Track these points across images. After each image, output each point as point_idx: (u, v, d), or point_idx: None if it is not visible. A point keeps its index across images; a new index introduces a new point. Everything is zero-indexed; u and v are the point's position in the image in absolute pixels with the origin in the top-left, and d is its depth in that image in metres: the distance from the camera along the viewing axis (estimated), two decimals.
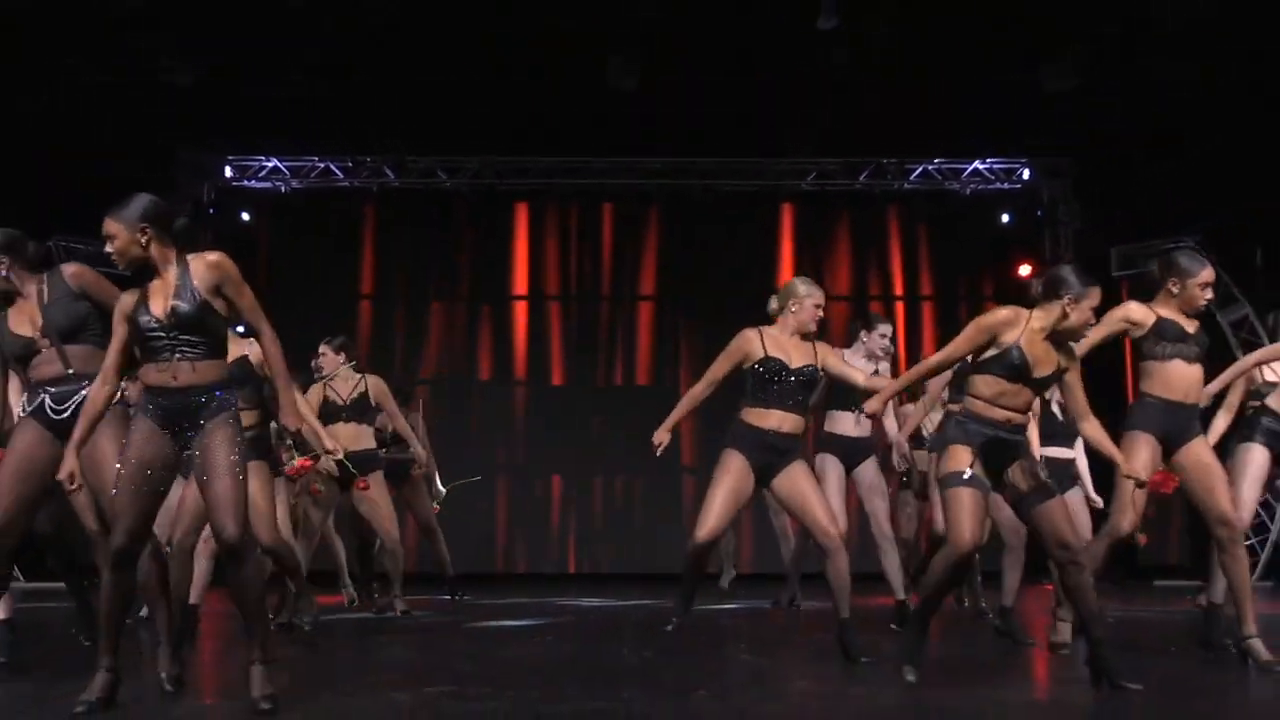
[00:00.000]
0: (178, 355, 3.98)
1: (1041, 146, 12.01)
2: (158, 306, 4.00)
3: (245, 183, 12.32)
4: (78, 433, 4.06)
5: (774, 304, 5.47)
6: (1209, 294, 4.93)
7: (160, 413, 4.00)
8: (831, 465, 6.58)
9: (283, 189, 12.33)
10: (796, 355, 5.31)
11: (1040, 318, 4.37)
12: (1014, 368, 4.32)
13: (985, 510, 4.33)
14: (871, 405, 4.75)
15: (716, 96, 10.87)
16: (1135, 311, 4.93)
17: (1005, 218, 12.58)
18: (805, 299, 5.37)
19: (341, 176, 12.21)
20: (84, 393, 4.37)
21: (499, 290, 12.76)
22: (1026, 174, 12.35)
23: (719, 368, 5.37)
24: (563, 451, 12.42)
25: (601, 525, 12.49)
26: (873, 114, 11.18)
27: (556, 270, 12.81)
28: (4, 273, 4.58)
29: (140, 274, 4.09)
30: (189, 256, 4.08)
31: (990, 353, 4.36)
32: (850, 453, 6.58)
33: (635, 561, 11.89)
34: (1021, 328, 4.34)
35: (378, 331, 12.66)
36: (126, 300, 4.09)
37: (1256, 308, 11.22)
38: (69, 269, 4.59)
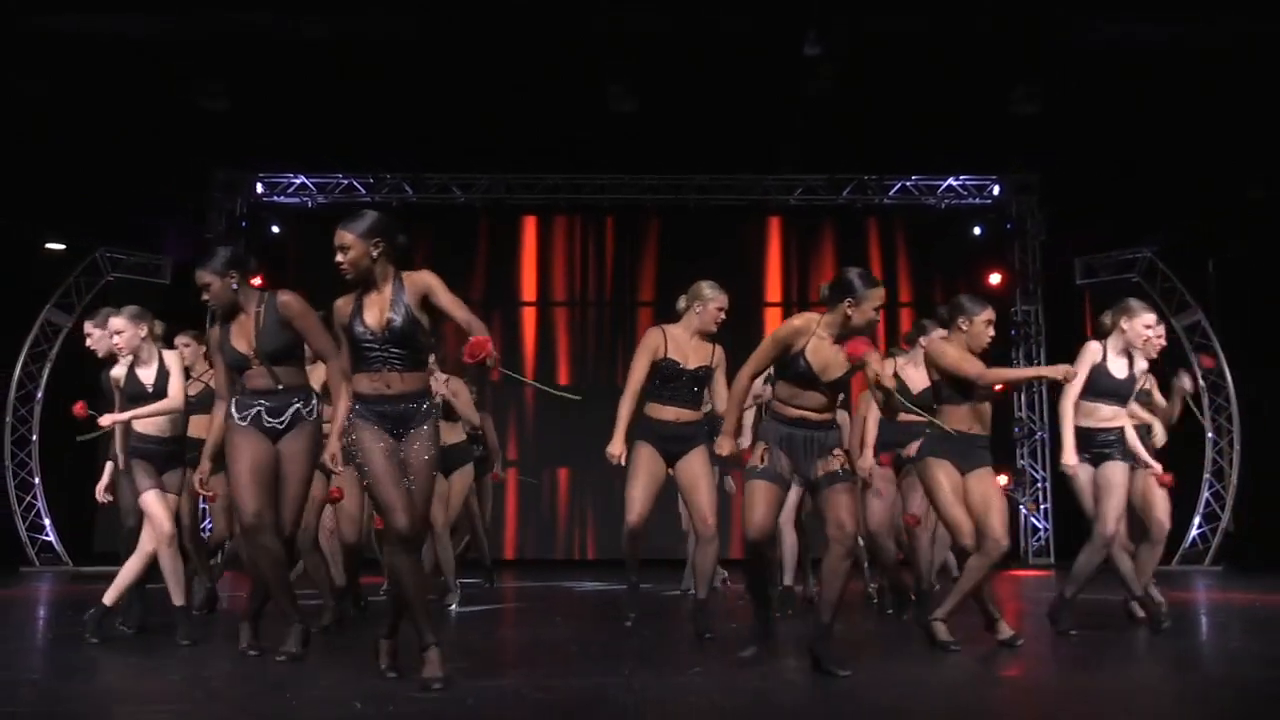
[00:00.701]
0: (388, 366, 3.99)
1: (1011, 165, 12.04)
2: (372, 318, 4.00)
3: (275, 198, 12.34)
4: (337, 423, 4.14)
5: (682, 302, 5.57)
6: (991, 331, 5.10)
7: (376, 418, 4.00)
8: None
9: (309, 204, 12.35)
10: (694, 356, 5.43)
11: (827, 322, 4.35)
12: (801, 375, 4.32)
13: (778, 499, 4.38)
14: (724, 448, 4.60)
15: (710, 118, 10.88)
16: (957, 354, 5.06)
17: (977, 230, 12.58)
18: (709, 302, 5.46)
19: (363, 192, 12.22)
20: (295, 405, 4.58)
21: (509, 297, 12.76)
22: (997, 190, 12.36)
23: (639, 369, 5.45)
24: (568, 447, 12.41)
25: (605, 515, 12.47)
26: (854, 134, 11.20)
27: (562, 278, 12.82)
28: (234, 287, 4.63)
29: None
30: (404, 274, 4.08)
31: (785, 360, 4.35)
32: None
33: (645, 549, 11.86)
34: (809, 335, 4.32)
35: None
36: (343, 307, 4.08)
37: (1208, 313, 11.25)
38: (281, 297, 4.65)
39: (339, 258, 4.04)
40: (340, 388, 4.21)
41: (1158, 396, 6.14)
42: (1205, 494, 11.22)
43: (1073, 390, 5.61)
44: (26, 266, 11.13)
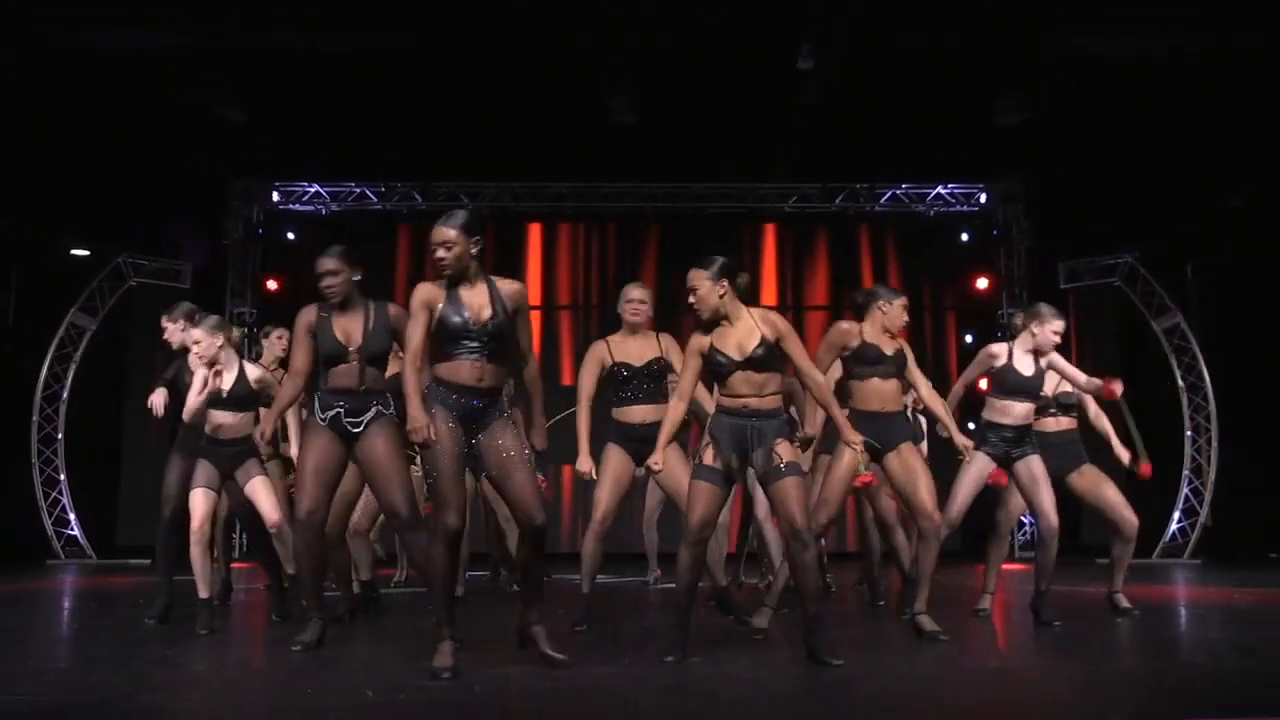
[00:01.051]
0: (484, 358, 4.00)
1: (997, 173, 12.04)
2: (473, 312, 4.00)
3: (290, 206, 12.33)
4: (415, 404, 3.93)
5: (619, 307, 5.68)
6: (906, 316, 5.19)
7: (460, 407, 3.98)
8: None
9: (323, 211, 12.34)
10: (641, 353, 5.48)
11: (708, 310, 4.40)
12: (721, 364, 4.35)
13: (719, 501, 4.38)
14: (654, 459, 4.63)
15: (708, 129, 10.89)
16: (847, 329, 5.13)
17: (965, 236, 12.58)
18: (623, 300, 5.67)
19: (375, 200, 12.22)
20: (375, 406, 4.54)
21: None
22: (983, 198, 12.36)
23: (585, 380, 5.51)
24: (571, 444, 12.34)
25: None
26: (847, 144, 11.21)
27: (566, 283, 12.81)
28: (357, 278, 4.67)
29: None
30: (494, 278, 4.09)
31: (707, 365, 4.40)
32: None
33: (633, 543, 11.88)
34: (709, 337, 4.37)
35: None
36: (433, 293, 4.02)
37: (1186, 316, 11.26)
38: (393, 309, 4.70)
39: (440, 254, 3.99)
40: (416, 372, 4.01)
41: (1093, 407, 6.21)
42: (1184, 490, 11.23)
43: (966, 377, 5.79)
44: (52, 271, 11.16)
